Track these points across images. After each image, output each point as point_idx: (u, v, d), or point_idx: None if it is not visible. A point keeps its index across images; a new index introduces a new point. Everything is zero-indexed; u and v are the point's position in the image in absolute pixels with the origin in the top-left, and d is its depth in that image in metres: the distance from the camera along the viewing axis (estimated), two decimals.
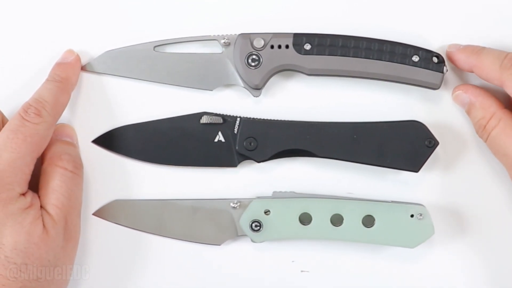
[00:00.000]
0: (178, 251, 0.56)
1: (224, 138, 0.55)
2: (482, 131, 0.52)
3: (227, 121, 0.55)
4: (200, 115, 0.55)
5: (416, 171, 0.53)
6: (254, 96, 0.55)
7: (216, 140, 0.55)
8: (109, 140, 0.56)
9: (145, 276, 0.56)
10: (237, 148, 0.54)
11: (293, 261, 0.56)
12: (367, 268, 0.56)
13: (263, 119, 0.55)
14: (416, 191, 0.56)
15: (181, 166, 0.56)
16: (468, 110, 0.54)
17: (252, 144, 0.54)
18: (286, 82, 0.56)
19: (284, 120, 0.54)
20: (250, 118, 0.55)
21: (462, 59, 0.53)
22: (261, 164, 0.55)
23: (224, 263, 0.56)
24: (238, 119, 0.55)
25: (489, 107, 0.52)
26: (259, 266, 0.56)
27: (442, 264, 0.56)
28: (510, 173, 0.51)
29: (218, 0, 0.56)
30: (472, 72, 0.53)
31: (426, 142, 0.53)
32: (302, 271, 0.56)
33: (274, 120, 0.55)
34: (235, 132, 0.55)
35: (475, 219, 0.56)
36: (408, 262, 0.56)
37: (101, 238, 0.56)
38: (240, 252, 0.56)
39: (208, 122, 0.55)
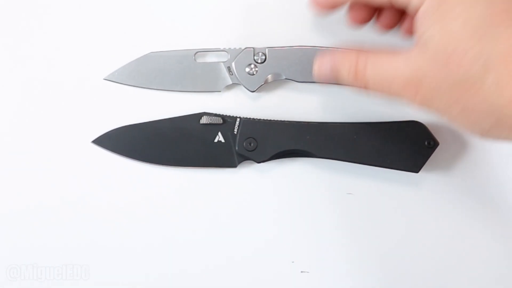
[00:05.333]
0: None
1: (224, 139, 0.55)
2: (357, 79, 0.45)
3: (226, 121, 0.55)
4: (200, 115, 0.55)
5: (416, 172, 0.53)
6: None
7: (216, 140, 0.55)
8: (109, 140, 0.56)
9: None
10: (237, 148, 0.54)
11: (293, 262, 0.56)
12: (367, 269, 0.56)
13: (263, 120, 0.55)
14: (416, 192, 0.56)
15: (180, 167, 0.56)
16: (336, 74, 0.47)
17: (252, 144, 0.54)
18: (287, 83, 0.56)
19: (284, 121, 0.54)
20: (249, 118, 0.55)
21: None
22: (261, 164, 0.55)
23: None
24: (238, 119, 0.55)
25: (350, 53, 0.46)
26: (259, 267, 0.56)
27: (443, 264, 0.56)
28: (411, 98, 0.43)
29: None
30: None
31: (426, 143, 0.53)
32: (302, 271, 0.56)
33: (274, 120, 0.54)
34: (235, 132, 0.54)
35: (475, 220, 0.56)
36: (409, 263, 0.56)
37: (102, 238, 0.56)
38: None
39: (208, 122, 0.55)
